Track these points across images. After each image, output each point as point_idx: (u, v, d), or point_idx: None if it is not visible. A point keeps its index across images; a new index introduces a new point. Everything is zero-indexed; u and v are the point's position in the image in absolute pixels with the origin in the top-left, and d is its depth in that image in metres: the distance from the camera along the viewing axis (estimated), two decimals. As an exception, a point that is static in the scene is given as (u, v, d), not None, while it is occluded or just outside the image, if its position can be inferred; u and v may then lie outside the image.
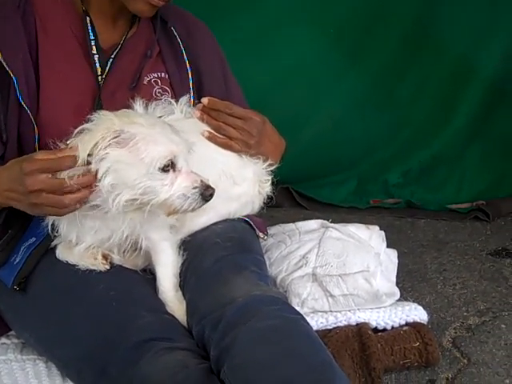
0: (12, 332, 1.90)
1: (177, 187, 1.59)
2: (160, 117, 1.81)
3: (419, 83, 3.54)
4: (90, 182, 1.55)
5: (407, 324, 1.97)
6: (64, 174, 1.55)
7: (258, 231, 2.00)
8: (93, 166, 1.56)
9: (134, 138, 1.57)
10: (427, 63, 3.51)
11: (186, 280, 1.76)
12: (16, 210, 1.78)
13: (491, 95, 3.55)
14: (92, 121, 1.61)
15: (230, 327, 1.51)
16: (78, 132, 1.60)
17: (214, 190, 1.62)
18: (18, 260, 1.80)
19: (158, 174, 1.57)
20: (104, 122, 1.59)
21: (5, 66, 1.81)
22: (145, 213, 1.61)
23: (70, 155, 1.55)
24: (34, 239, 1.82)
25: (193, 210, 1.62)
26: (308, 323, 1.58)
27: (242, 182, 1.93)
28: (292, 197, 3.45)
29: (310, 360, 1.42)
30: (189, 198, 1.59)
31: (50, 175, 1.55)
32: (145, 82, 1.99)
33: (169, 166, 1.58)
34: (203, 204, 1.62)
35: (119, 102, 1.80)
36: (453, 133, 3.57)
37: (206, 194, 1.60)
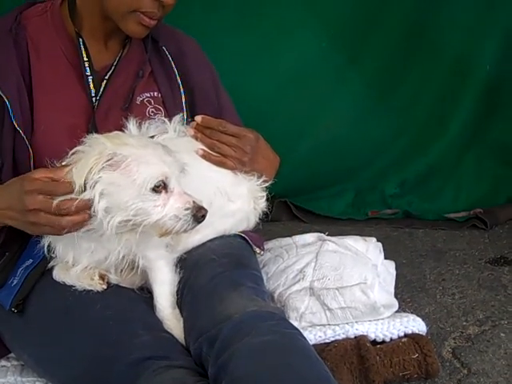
0: (11, 354, 1.90)
1: (169, 208, 1.59)
2: (153, 136, 1.82)
3: (415, 91, 3.55)
4: (85, 207, 1.56)
5: (406, 335, 1.96)
6: (61, 197, 1.57)
7: (254, 246, 2.00)
8: (87, 191, 1.57)
9: (126, 159, 1.58)
10: (423, 70, 3.52)
11: (182, 298, 1.76)
12: (13, 232, 1.80)
13: (486, 103, 3.57)
14: (85, 143, 1.63)
15: (226, 344, 1.51)
16: (72, 154, 1.61)
17: (206, 211, 1.62)
18: (15, 282, 1.81)
19: (149, 195, 1.58)
20: (97, 146, 1.60)
21: None
22: (137, 234, 1.61)
23: (67, 181, 1.57)
24: (31, 261, 1.83)
25: (185, 231, 1.62)
26: (305, 338, 1.58)
27: (236, 199, 1.93)
28: (290, 210, 3.46)
29: (306, 375, 1.42)
30: (181, 219, 1.59)
31: (49, 197, 1.57)
32: (138, 102, 2.01)
33: (160, 187, 1.59)
34: (195, 225, 1.61)
35: (113, 123, 1.82)
36: (448, 141, 3.58)
37: (198, 215, 1.60)
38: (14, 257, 1.87)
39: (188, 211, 1.60)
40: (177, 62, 2.07)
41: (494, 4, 3.41)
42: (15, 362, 1.89)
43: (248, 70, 3.34)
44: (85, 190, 1.57)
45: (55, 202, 1.56)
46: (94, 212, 1.58)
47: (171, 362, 1.56)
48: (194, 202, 1.62)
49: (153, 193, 1.58)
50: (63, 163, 1.63)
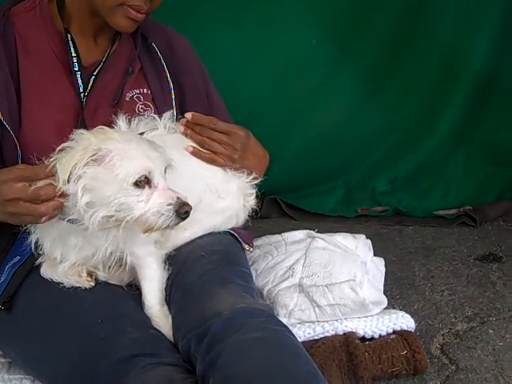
0: (-1, 351, 1.89)
1: (152, 204, 1.57)
2: (143, 133, 1.81)
3: (405, 89, 3.54)
4: (62, 193, 1.56)
5: (394, 332, 1.97)
6: (39, 183, 1.56)
7: (243, 243, 2.00)
8: (71, 186, 1.56)
9: (109, 154, 1.57)
10: (413, 68, 3.50)
11: (171, 294, 1.76)
12: (1, 227, 1.79)
13: (476, 101, 3.56)
14: (72, 140, 1.62)
15: (215, 341, 1.51)
16: (59, 150, 1.61)
17: (190, 207, 1.60)
18: (2, 279, 1.80)
19: (132, 190, 1.57)
20: (82, 142, 1.59)
21: None
22: (120, 229, 1.60)
23: (45, 165, 1.57)
24: (18, 258, 1.82)
25: (168, 227, 1.60)
26: (293, 335, 1.58)
27: (226, 196, 1.93)
28: (280, 207, 3.45)
29: (294, 372, 1.42)
30: (163, 214, 1.57)
31: (27, 184, 1.56)
32: (127, 99, 2.00)
33: (143, 182, 1.58)
34: (179, 222, 1.60)
35: (101, 119, 1.81)
36: (438, 139, 3.58)
37: (181, 211, 1.58)
38: (2, 254, 1.86)
39: (170, 207, 1.58)
40: (167, 59, 2.07)
41: (485, 1, 3.40)
42: (2, 360, 1.88)
43: (238, 67, 3.31)
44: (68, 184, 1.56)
45: (32, 187, 1.55)
46: (76, 206, 1.57)
47: (159, 359, 1.55)
48: (177, 197, 1.60)
49: (135, 188, 1.57)
50: (50, 160, 1.61)
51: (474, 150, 3.60)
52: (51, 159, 1.61)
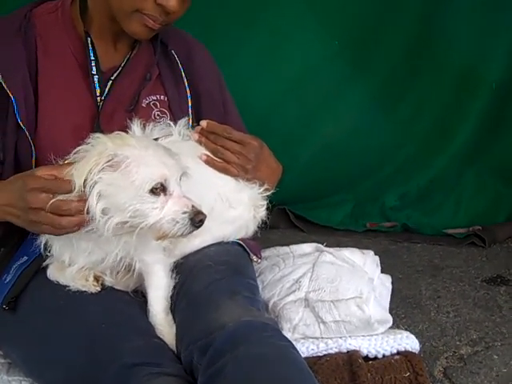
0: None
1: (167, 211, 1.57)
2: (157, 139, 1.81)
3: (418, 103, 3.54)
4: (83, 208, 1.55)
5: (398, 353, 1.93)
6: (63, 196, 1.56)
7: (251, 254, 1.99)
8: (87, 191, 1.55)
9: (126, 160, 1.56)
10: (427, 82, 3.52)
11: (176, 303, 1.74)
12: (10, 228, 1.79)
13: (490, 119, 3.56)
14: (88, 143, 1.61)
15: (218, 354, 1.49)
16: (74, 153, 1.61)
17: (205, 216, 1.60)
18: (8, 279, 1.79)
19: (148, 197, 1.56)
20: (98, 147, 1.59)
21: (4, 86, 1.82)
22: (134, 236, 1.60)
23: (69, 180, 1.55)
24: (25, 258, 1.81)
25: (182, 235, 1.60)
26: (297, 351, 1.57)
27: (237, 206, 1.92)
28: (288, 218, 3.47)
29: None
30: (178, 222, 1.57)
31: (51, 195, 1.56)
32: (143, 105, 2.00)
33: (159, 189, 1.57)
34: (193, 230, 1.59)
35: (117, 124, 1.80)
36: (450, 156, 3.58)
37: (196, 219, 1.58)
38: (10, 253, 1.86)
39: (186, 215, 1.58)
40: (185, 67, 2.07)
41: (502, 20, 3.39)
42: (2, 360, 1.86)
43: (249, 78, 3.33)
44: (84, 190, 1.56)
45: (54, 200, 1.55)
46: (91, 213, 1.56)
47: (162, 369, 1.54)
48: (192, 206, 1.60)
49: (151, 195, 1.57)
50: (66, 161, 1.62)
51: (485, 168, 3.60)
52: (66, 161, 1.61)
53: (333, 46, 3.45)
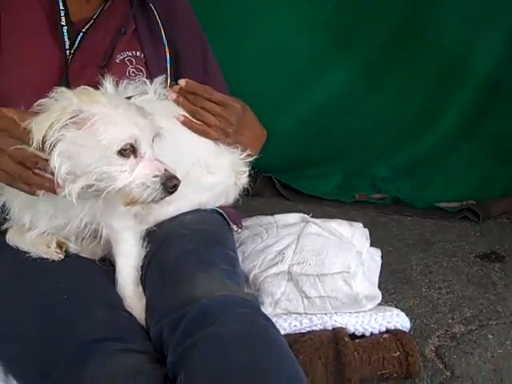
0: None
1: (136, 175, 1.44)
2: (130, 97, 1.67)
3: (411, 76, 3.39)
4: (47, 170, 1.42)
5: (388, 331, 1.82)
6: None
7: (231, 224, 1.87)
8: (46, 149, 1.41)
9: (92, 118, 1.43)
10: (419, 56, 3.37)
11: (147, 274, 1.61)
12: None
13: (483, 94, 3.43)
14: (51, 97, 1.47)
15: (189, 331, 1.35)
16: (36, 106, 1.47)
17: (178, 181, 1.48)
18: None
19: (116, 159, 1.43)
20: (62, 101, 1.45)
21: None
22: (100, 200, 1.47)
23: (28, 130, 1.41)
24: None
25: (153, 201, 1.47)
26: (278, 331, 1.43)
27: (216, 171, 1.80)
28: (274, 186, 3.34)
29: (275, 373, 1.26)
30: (148, 187, 1.45)
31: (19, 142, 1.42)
32: (117, 61, 1.88)
33: (128, 151, 1.44)
34: (165, 196, 1.47)
35: (87, 80, 1.65)
36: (443, 129, 3.45)
37: (169, 184, 1.46)
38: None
39: (157, 179, 1.46)
40: (164, 22, 1.95)
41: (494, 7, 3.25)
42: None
43: (235, 42, 3.21)
44: (43, 147, 1.41)
45: (20, 146, 1.41)
46: (52, 174, 1.43)
47: (126, 345, 1.40)
48: (165, 169, 1.47)
49: (120, 157, 1.44)
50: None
51: (479, 143, 3.46)
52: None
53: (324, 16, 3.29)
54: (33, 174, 1.44)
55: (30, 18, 1.80)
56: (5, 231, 1.64)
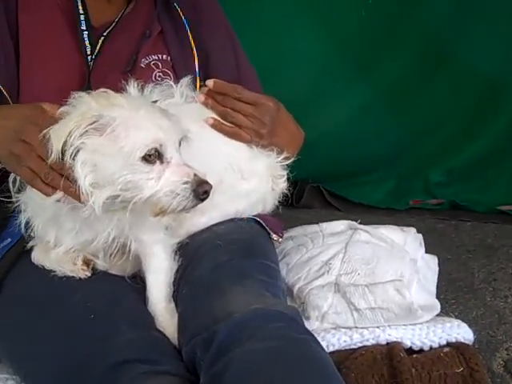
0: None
1: (164, 182, 1.35)
2: (156, 101, 1.59)
3: (468, 70, 3.19)
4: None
5: (449, 344, 1.67)
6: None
7: (271, 233, 1.75)
8: (67, 159, 1.32)
9: (113, 122, 1.34)
10: (479, 50, 3.16)
11: (179, 290, 1.51)
12: None
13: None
14: (69, 104, 1.40)
15: (222, 350, 1.25)
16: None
17: (210, 186, 1.37)
18: None
19: (140, 166, 1.34)
20: (80, 107, 1.37)
21: None
22: (127, 212, 1.37)
23: None
24: (9, 240, 1.62)
25: (184, 209, 1.37)
26: (321, 346, 1.30)
27: (251, 177, 1.70)
28: (323, 197, 3.23)
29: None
30: (178, 195, 1.35)
31: None
32: (142, 65, 1.82)
33: (154, 157, 1.35)
34: (197, 203, 1.37)
35: (112, 88, 1.57)
36: (504, 125, 3.23)
37: (200, 190, 1.35)
38: (-7, 234, 1.65)
39: (187, 185, 1.36)
40: (191, 22, 1.88)
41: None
42: (-9, 356, 1.66)
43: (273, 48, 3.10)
44: (63, 157, 1.32)
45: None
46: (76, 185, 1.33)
47: (157, 368, 1.31)
48: (195, 174, 1.37)
49: (144, 163, 1.35)
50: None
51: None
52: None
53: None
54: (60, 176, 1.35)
55: (49, 22, 1.76)
56: (30, 250, 1.56)
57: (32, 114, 1.38)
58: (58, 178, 1.34)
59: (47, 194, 1.37)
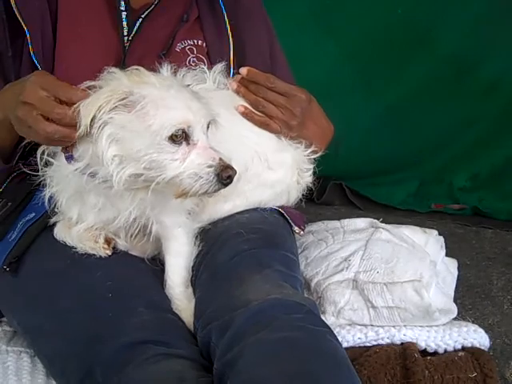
0: (4, 318, 1.69)
1: (188, 164, 1.34)
2: (188, 85, 1.57)
3: (494, 75, 3.14)
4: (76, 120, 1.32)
5: (464, 349, 1.66)
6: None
7: (293, 225, 1.73)
8: (94, 132, 1.32)
9: (142, 100, 1.34)
10: (506, 53, 3.11)
11: (197, 275, 1.51)
12: (17, 181, 1.66)
13: None
14: (101, 79, 1.40)
15: (238, 337, 1.24)
16: (87, 87, 1.38)
17: (234, 171, 1.36)
18: (13, 237, 1.61)
19: (167, 146, 1.33)
20: (112, 82, 1.37)
21: (17, 15, 1.62)
22: (149, 192, 1.36)
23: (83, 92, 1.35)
24: (33, 214, 1.62)
25: (206, 193, 1.36)
26: (336, 339, 1.29)
27: (278, 168, 1.70)
28: (344, 194, 3.18)
29: (329, 387, 1.13)
30: (201, 178, 1.33)
31: (52, 98, 1.35)
32: (177, 49, 1.81)
33: (181, 137, 1.34)
34: (220, 188, 1.36)
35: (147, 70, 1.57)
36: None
37: (224, 175, 1.34)
38: (18, 209, 1.66)
39: (211, 169, 1.35)
40: (229, 10, 1.87)
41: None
42: (7, 328, 1.69)
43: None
44: (91, 131, 1.33)
45: (50, 101, 1.34)
46: (100, 158, 1.34)
47: (171, 350, 1.31)
48: (220, 159, 1.36)
49: (171, 143, 1.34)
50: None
51: None
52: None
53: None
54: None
55: (90, 3, 1.75)
56: (53, 225, 1.56)
57: (34, 77, 1.39)
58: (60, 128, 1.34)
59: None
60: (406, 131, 3.17)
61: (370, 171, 3.25)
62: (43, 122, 1.33)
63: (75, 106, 1.34)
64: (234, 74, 1.79)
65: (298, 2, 3.12)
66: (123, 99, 1.33)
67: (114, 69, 1.41)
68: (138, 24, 1.74)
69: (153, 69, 1.49)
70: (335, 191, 3.17)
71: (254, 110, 1.66)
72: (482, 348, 1.67)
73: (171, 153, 1.33)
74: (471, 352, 1.63)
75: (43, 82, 1.35)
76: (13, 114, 1.38)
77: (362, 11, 3.11)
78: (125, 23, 1.74)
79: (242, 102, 1.66)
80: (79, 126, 1.32)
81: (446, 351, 1.66)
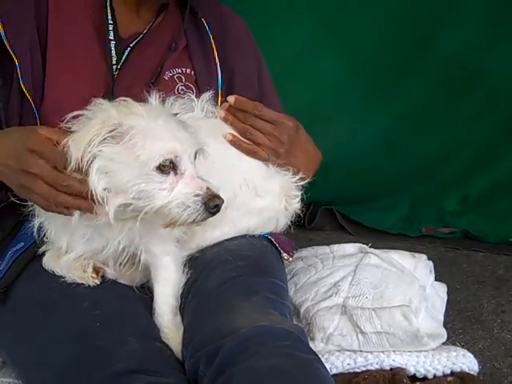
0: (-6, 349, 1.67)
1: (176, 193, 1.35)
2: (176, 114, 1.58)
3: (483, 100, 3.23)
4: (85, 191, 1.34)
5: (453, 374, 1.65)
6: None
7: (282, 252, 1.74)
8: (84, 166, 1.33)
9: (130, 131, 1.35)
10: (494, 79, 3.21)
11: (186, 303, 1.51)
12: (7, 210, 1.62)
13: None
14: (89, 110, 1.40)
15: (226, 364, 1.24)
16: (74, 117, 1.40)
17: (221, 200, 1.37)
18: (1, 267, 1.61)
19: (154, 176, 1.34)
20: (100, 114, 1.37)
21: (7, 47, 1.64)
22: (137, 221, 1.37)
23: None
24: (22, 244, 1.62)
25: (194, 222, 1.37)
26: (324, 367, 1.29)
27: (265, 195, 1.69)
28: (335, 219, 3.22)
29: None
30: (189, 207, 1.34)
31: (51, 164, 1.36)
32: (166, 78, 1.82)
33: (168, 167, 1.35)
34: (207, 217, 1.36)
35: (135, 99, 1.58)
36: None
37: (211, 204, 1.35)
38: (7, 238, 1.67)
39: (198, 198, 1.35)
40: (217, 38, 1.89)
41: None
42: (-3, 359, 1.67)
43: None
44: (82, 165, 1.33)
45: (53, 170, 1.35)
46: (93, 194, 1.34)
47: (159, 379, 1.30)
48: (207, 188, 1.37)
49: (159, 173, 1.35)
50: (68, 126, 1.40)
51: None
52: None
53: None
54: (69, 195, 1.36)
55: (78, 30, 1.77)
56: (42, 255, 1.56)
57: (29, 140, 1.39)
58: (69, 198, 1.35)
59: (65, 214, 1.39)
60: (397, 156, 3.22)
61: (361, 196, 3.28)
62: (54, 192, 1.36)
63: (64, 141, 1.34)
64: (222, 103, 1.80)
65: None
66: (112, 131, 1.34)
67: (101, 100, 1.41)
68: (126, 53, 1.76)
69: (141, 97, 1.51)
70: (326, 216, 3.20)
71: (241, 138, 1.66)
72: (471, 372, 1.67)
73: (159, 182, 1.34)
74: (460, 377, 1.63)
75: (38, 148, 1.37)
76: (13, 181, 1.43)
77: (347, 42, 3.18)
78: (113, 52, 1.75)
79: (229, 130, 1.67)
80: (70, 162, 1.33)
81: (435, 376, 1.66)
